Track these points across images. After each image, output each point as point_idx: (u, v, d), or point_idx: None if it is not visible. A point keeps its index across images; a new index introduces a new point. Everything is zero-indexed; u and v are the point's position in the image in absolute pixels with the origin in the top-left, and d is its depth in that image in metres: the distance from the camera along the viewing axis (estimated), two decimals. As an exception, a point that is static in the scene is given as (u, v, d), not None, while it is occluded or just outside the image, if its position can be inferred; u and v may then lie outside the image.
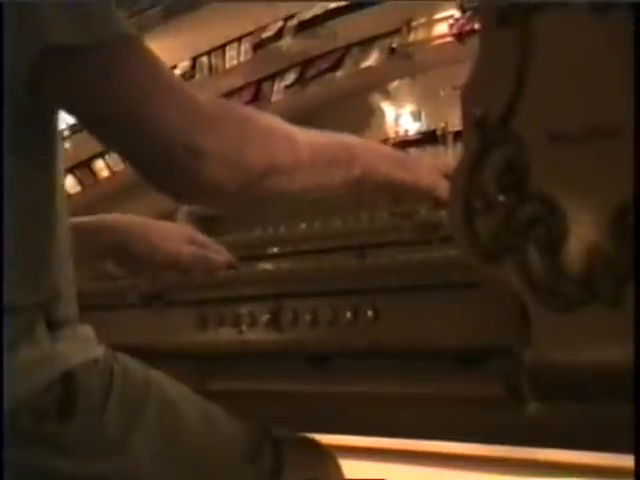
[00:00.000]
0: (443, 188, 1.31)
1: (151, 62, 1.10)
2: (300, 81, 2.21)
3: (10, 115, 1.07)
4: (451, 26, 1.94)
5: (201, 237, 1.53)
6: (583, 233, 0.91)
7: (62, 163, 1.19)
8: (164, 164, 1.08)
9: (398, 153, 1.35)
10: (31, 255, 1.13)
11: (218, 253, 1.51)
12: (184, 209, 1.90)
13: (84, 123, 1.13)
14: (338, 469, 1.41)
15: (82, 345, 1.16)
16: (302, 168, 1.19)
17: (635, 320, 0.87)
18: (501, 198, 0.96)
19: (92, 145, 2.51)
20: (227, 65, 2.37)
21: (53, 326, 1.13)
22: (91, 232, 1.46)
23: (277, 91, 2.25)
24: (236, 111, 1.19)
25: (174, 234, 1.50)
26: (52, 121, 1.15)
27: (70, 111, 1.13)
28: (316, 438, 1.44)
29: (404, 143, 2.07)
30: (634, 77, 0.88)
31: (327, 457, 1.40)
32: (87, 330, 1.19)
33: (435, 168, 1.34)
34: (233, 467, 1.26)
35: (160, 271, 1.54)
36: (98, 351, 1.17)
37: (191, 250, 1.49)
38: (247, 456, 1.26)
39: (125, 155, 1.16)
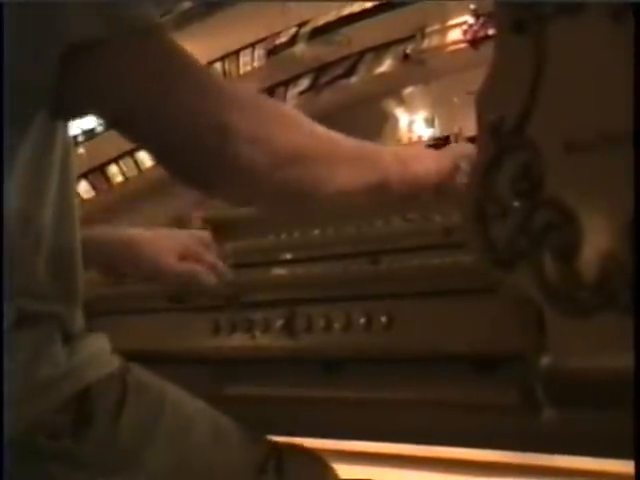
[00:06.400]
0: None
1: (176, 49, 1.08)
2: (314, 87, 2.21)
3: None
4: (465, 32, 1.94)
5: (196, 248, 1.50)
6: (598, 239, 0.91)
7: (75, 170, 1.18)
8: (194, 149, 1.06)
9: (412, 151, 1.31)
10: (61, 260, 1.13)
11: (212, 267, 1.48)
12: (198, 215, 1.90)
13: (109, 118, 1.11)
14: (335, 476, 1.40)
15: (98, 359, 1.15)
16: (330, 163, 1.16)
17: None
18: (516, 204, 0.96)
19: (106, 150, 2.52)
20: (241, 71, 2.37)
21: (68, 339, 1.13)
22: (104, 245, 1.45)
23: (291, 97, 2.25)
24: (262, 97, 1.18)
25: (165, 248, 1.48)
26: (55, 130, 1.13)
27: (94, 107, 1.11)
28: (323, 443, 1.44)
29: (417, 149, 2.07)
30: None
31: (324, 464, 1.39)
32: (102, 341, 1.18)
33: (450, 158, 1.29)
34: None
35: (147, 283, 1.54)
36: (113, 363, 1.17)
37: (180, 268, 1.47)
38: (256, 468, 1.26)
39: (153, 147, 1.12)
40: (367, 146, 1.23)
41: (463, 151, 1.28)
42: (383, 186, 1.20)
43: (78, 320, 1.16)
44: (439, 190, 1.26)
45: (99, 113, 1.15)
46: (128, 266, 1.49)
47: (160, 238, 1.50)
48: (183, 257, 1.49)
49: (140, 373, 1.19)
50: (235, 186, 1.12)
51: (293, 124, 1.14)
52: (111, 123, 1.11)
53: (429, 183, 1.25)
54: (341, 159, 1.17)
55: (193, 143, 1.05)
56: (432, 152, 1.32)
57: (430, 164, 1.26)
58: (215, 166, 1.08)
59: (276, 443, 1.32)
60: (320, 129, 1.17)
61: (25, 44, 1.03)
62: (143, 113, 1.06)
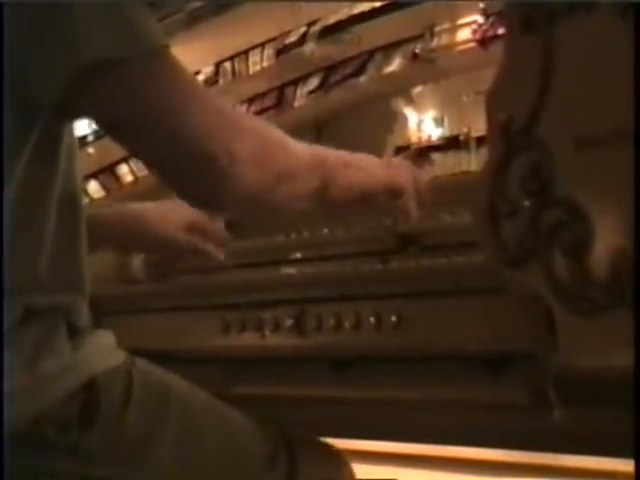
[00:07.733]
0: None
1: (183, 71, 1.10)
2: (323, 86, 2.21)
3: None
4: (474, 32, 1.93)
5: (202, 223, 1.52)
6: (608, 238, 0.91)
7: (79, 165, 1.19)
8: (203, 170, 1.07)
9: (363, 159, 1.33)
10: (65, 255, 1.14)
11: (218, 241, 1.52)
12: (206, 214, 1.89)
13: (117, 135, 1.11)
14: (350, 472, 1.41)
15: (103, 353, 1.16)
16: (300, 175, 1.19)
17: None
18: (526, 203, 0.96)
19: (116, 150, 2.52)
20: (250, 70, 2.37)
21: (74, 334, 1.13)
22: (114, 222, 1.47)
23: (300, 96, 2.25)
24: (252, 119, 1.21)
25: (170, 220, 1.51)
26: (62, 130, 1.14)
27: (102, 122, 1.11)
28: (333, 443, 1.44)
29: (427, 149, 2.07)
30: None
31: (340, 460, 1.40)
32: (108, 336, 1.19)
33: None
34: (252, 475, 1.26)
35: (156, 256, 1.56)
36: (119, 357, 1.17)
37: (183, 239, 1.50)
38: (265, 464, 1.27)
39: (161, 164, 1.12)
40: (315, 151, 1.24)
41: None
42: (323, 190, 1.22)
43: (84, 314, 1.17)
44: (378, 198, 1.30)
45: (104, 128, 1.14)
46: (135, 240, 1.50)
47: (166, 211, 1.52)
48: (190, 230, 1.50)
49: (146, 367, 1.20)
50: (240, 206, 1.15)
51: (284, 145, 1.17)
52: (116, 139, 1.11)
53: (367, 190, 1.28)
54: (304, 170, 1.19)
55: (203, 167, 1.07)
56: (379, 161, 1.34)
57: (371, 172, 1.29)
58: (220, 187, 1.09)
59: (289, 440, 1.32)
60: (292, 143, 1.19)
61: (38, 60, 1.03)
62: (150, 135, 1.07)
